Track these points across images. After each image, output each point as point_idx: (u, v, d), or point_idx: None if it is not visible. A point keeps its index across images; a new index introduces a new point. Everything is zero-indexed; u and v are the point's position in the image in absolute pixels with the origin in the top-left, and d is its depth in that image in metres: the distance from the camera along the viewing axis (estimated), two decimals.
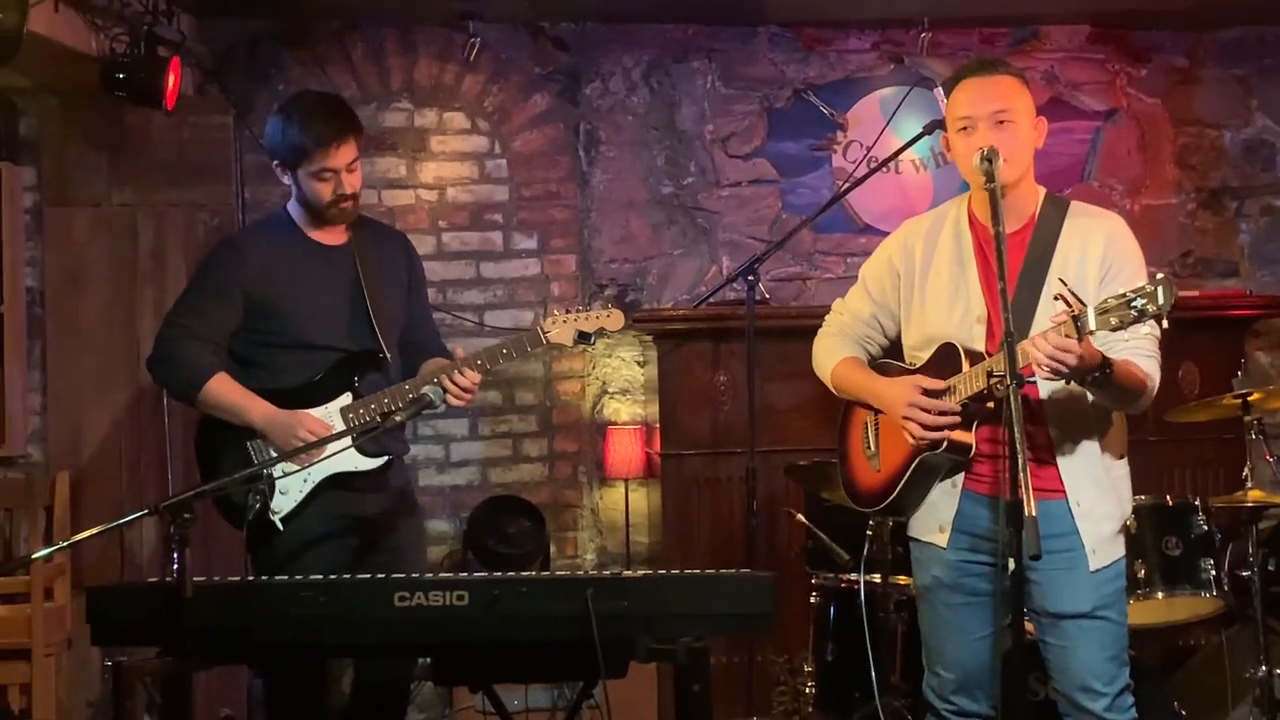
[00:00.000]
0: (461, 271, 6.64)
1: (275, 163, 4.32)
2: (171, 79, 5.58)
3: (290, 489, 4.16)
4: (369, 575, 3.67)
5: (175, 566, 3.24)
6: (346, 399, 4.25)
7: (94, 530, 3.49)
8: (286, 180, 4.32)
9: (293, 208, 4.37)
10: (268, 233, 4.42)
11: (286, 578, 3.69)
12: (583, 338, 4.34)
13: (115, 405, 6.12)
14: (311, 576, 3.66)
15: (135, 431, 6.12)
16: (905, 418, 3.50)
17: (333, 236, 4.37)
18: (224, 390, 4.19)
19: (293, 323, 4.26)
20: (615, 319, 4.38)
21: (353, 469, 4.22)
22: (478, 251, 6.66)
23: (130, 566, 6.02)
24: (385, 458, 4.28)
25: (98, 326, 6.16)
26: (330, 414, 4.23)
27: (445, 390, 4.16)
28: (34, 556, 3.86)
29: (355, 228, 4.41)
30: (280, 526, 4.16)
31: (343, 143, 4.24)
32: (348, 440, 4.05)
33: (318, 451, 4.02)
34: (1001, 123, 3.49)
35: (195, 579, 3.32)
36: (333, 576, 3.63)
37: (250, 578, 3.99)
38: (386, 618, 3.50)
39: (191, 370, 4.21)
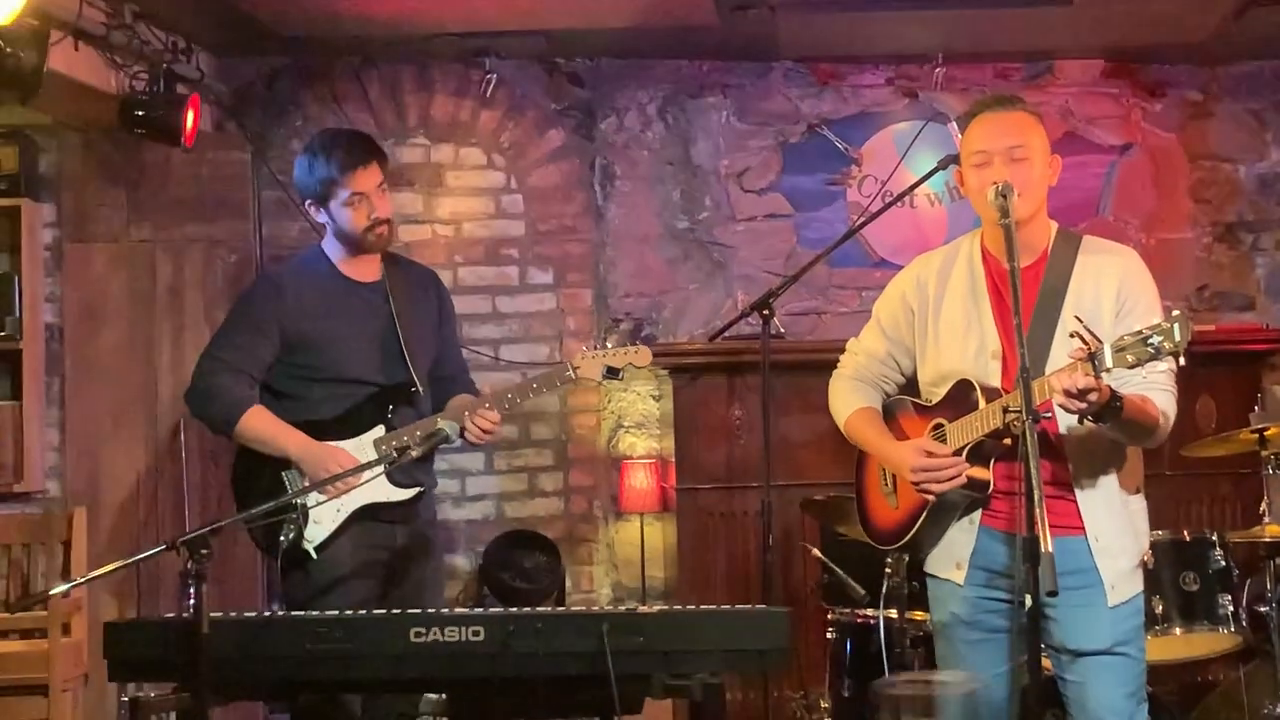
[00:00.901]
0: (477, 306, 6.66)
1: (308, 203, 4.42)
2: (190, 116, 5.63)
3: (323, 519, 4.25)
4: (384, 611, 3.69)
5: (192, 602, 3.25)
6: (379, 431, 4.35)
7: (112, 566, 3.51)
8: (321, 218, 4.41)
9: (328, 245, 4.47)
10: (304, 270, 4.50)
11: (303, 612, 3.73)
12: (611, 373, 4.47)
13: (133, 441, 6.15)
14: (329, 611, 3.70)
15: (153, 467, 6.14)
16: (914, 482, 3.51)
17: (367, 273, 4.47)
18: (260, 422, 4.30)
19: (328, 357, 4.36)
20: (643, 355, 4.51)
21: (385, 499, 4.31)
22: (493, 286, 6.69)
23: (147, 601, 6.03)
24: (417, 489, 4.39)
25: (116, 362, 6.19)
26: (363, 445, 4.32)
27: (465, 429, 4.27)
28: (52, 592, 3.87)
29: (388, 264, 4.52)
30: (314, 555, 4.23)
31: (367, 165, 4.36)
32: (378, 471, 4.12)
33: (349, 482, 4.11)
34: (1017, 159, 3.49)
35: (212, 614, 3.33)
36: (348, 612, 3.65)
37: (280, 606, 4.04)
38: (402, 653, 3.50)
39: (229, 403, 4.31)
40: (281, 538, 4.16)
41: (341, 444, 4.29)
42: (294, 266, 4.63)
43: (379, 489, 4.25)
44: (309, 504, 4.19)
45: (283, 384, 4.38)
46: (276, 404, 4.35)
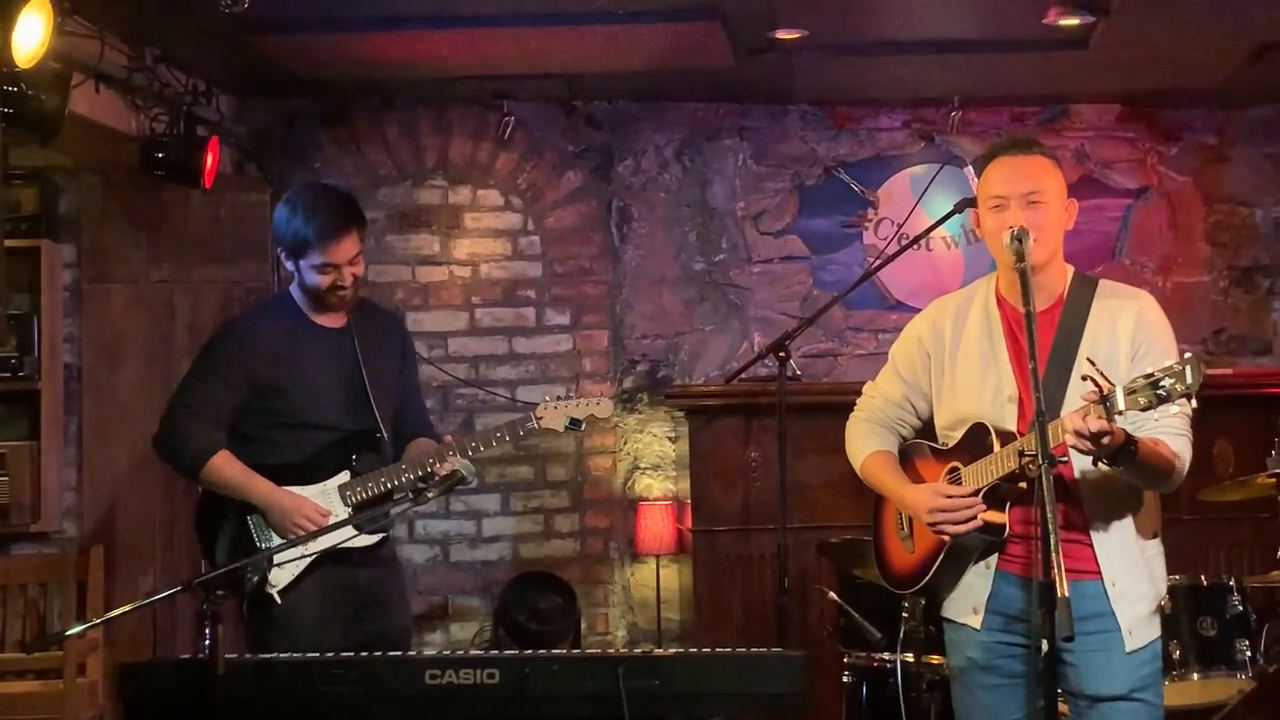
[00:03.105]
0: (494, 347, 6.68)
1: (280, 250, 4.46)
2: (210, 158, 5.66)
3: (287, 564, 4.28)
4: (400, 653, 3.70)
5: (207, 643, 3.26)
6: (344, 477, 4.42)
7: (127, 607, 3.52)
8: (290, 266, 4.46)
9: (295, 291, 4.51)
10: (272, 315, 4.56)
11: (317, 654, 3.73)
12: (574, 423, 4.56)
13: (149, 481, 6.16)
14: (344, 654, 3.73)
15: (169, 507, 6.15)
16: (931, 524, 3.51)
17: (333, 319, 4.51)
18: (227, 468, 4.35)
19: (294, 402, 4.41)
20: (604, 407, 4.61)
21: (349, 545, 4.35)
22: (510, 327, 6.71)
23: (163, 642, 6.03)
24: (380, 535, 4.46)
25: (134, 402, 6.21)
26: (328, 491, 4.39)
27: (433, 474, 4.36)
28: (68, 633, 3.87)
29: (354, 310, 4.55)
30: (278, 599, 4.28)
31: (345, 237, 4.38)
32: (346, 534, 4.22)
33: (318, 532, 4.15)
34: (1033, 203, 3.49)
35: (227, 655, 3.33)
36: (363, 654, 3.66)
37: (245, 651, 4.10)
38: (418, 696, 3.51)
39: (196, 448, 4.37)
40: (246, 582, 4.11)
41: (305, 490, 4.36)
42: (262, 312, 4.68)
43: (344, 533, 4.28)
44: (273, 547, 4.24)
45: (248, 428, 4.43)
46: (241, 448, 4.39)
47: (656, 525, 6.45)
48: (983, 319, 3.62)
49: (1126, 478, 3.38)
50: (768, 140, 6.79)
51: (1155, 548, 3.55)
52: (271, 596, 4.27)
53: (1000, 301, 3.61)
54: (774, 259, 6.77)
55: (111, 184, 6.24)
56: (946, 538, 3.50)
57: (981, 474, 3.45)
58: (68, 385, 6.33)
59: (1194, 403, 3.09)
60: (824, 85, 6.52)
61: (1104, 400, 3.12)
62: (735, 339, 6.74)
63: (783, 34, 5.68)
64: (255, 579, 4.17)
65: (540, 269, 6.73)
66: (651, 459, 6.70)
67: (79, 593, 5.77)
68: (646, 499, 6.62)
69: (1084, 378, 3.16)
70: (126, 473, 6.19)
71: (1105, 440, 3.16)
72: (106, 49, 5.11)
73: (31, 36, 4.36)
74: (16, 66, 4.35)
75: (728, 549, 6.05)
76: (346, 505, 4.38)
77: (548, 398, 4.60)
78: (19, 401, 6.21)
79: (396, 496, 4.35)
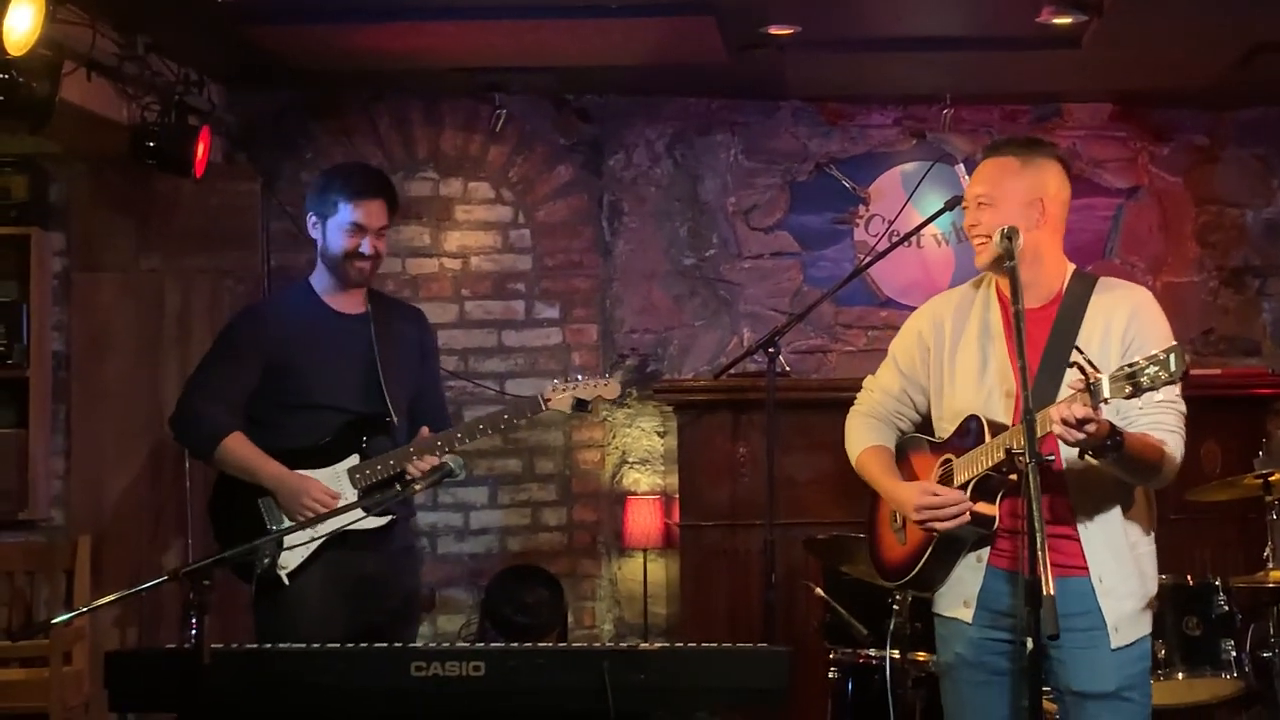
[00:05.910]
0: (483, 340, 6.68)
1: (310, 216, 4.50)
2: (201, 147, 5.65)
3: (296, 546, 4.30)
4: (386, 644, 3.70)
5: (193, 632, 3.26)
6: (354, 460, 4.42)
7: (114, 596, 3.51)
8: (315, 234, 4.49)
9: (315, 278, 4.55)
10: (289, 301, 4.63)
11: (303, 645, 3.73)
12: (580, 405, 4.57)
13: (137, 470, 6.16)
14: (300, 639, 3.77)
15: (156, 496, 6.14)
16: (919, 521, 3.52)
17: (351, 305, 4.54)
18: (239, 449, 4.39)
19: (307, 385, 4.45)
20: (611, 388, 4.61)
21: (357, 527, 4.35)
22: (500, 320, 6.70)
23: (149, 631, 6.02)
24: (389, 518, 4.43)
25: (122, 391, 6.20)
26: (338, 474, 4.40)
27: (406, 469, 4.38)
28: (54, 621, 3.87)
29: (374, 300, 4.60)
30: (286, 581, 4.31)
31: (375, 200, 4.45)
32: (356, 515, 4.22)
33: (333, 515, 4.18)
34: (981, 205, 3.56)
35: (213, 645, 3.33)
36: (349, 645, 3.66)
37: (252, 633, 4.16)
38: (403, 687, 3.52)
39: (210, 429, 4.42)
40: (257, 564, 4.22)
41: (316, 473, 4.37)
42: (278, 297, 4.78)
43: (352, 515, 4.29)
44: (277, 530, 4.27)
45: (261, 411, 4.46)
46: (254, 431, 4.43)
47: (644, 519, 6.45)
48: (982, 315, 3.64)
49: (1114, 471, 3.37)
50: (759, 136, 6.79)
51: (1147, 545, 3.54)
52: (280, 579, 4.29)
53: (1000, 298, 3.63)
54: (764, 255, 6.77)
55: (102, 172, 6.23)
56: (935, 532, 3.51)
57: (972, 465, 3.46)
58: (56, 373, 6.32)
59: (1181, 404, 3.10)
60: (816, 81, 6.52)
61: (1089, 387, 3.13)
62: (725, 334, 6.74)
63: (775, 30, 5.68)
64: (266, 561, 4.24)
65: (530, 262, 6.73)
66: (640, 453, 6.70)
67: (66, 581, 5.77)
68: (634, 493, 6.63)
69: (1072, 364, 3.17)
70: (114, 461, 6.18)
71: (1090, 429, 3.16)
72: (98, 37, 5.10)
73: (23, 24, 4.36)
74: (7, 54, 4.34)
75: (715, 544, 6.05)
76: (355, 488, 4.39)
77: (555, 381, 4.59)
78: (7, 389, 6.20)
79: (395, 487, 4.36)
